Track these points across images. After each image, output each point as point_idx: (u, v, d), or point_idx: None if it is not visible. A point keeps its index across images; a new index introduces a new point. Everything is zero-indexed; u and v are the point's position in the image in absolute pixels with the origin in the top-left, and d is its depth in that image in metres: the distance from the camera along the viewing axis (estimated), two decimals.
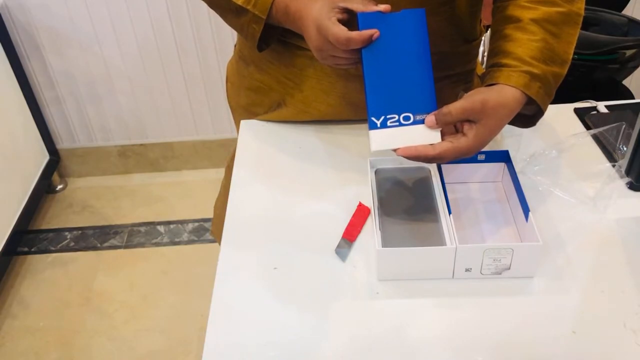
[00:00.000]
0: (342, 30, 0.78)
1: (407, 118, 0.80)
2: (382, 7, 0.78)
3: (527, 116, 0.88)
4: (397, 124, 0.79)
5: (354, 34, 0.78)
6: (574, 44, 0.87)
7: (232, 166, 1.02)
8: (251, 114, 1.12)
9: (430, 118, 0.79)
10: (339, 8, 0.80)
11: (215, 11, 0.97)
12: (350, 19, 0.80)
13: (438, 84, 0.82)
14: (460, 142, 0.78)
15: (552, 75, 0.83)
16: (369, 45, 0.79)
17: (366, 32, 0.77)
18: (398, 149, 0.79)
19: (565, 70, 0.86)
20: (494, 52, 0.87)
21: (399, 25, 0.79)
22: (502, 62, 0.83)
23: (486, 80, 0.84)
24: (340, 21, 0.79)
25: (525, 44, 0.83)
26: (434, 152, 0.78)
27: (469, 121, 0.79)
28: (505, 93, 0.80)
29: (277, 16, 0.89)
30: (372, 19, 0.78)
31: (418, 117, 0.80)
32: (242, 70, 1.11)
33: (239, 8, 0.91)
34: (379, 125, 0.79)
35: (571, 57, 0.87)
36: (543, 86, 0.82)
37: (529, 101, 0.82)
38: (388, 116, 0.79)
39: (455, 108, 0.78)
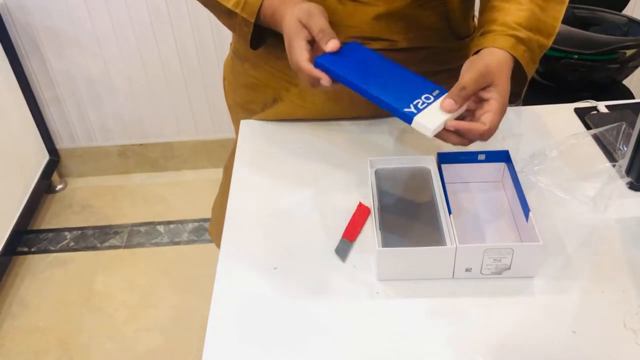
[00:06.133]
0: (301, 60, 0.81)
1: (428, 98, 0.80)
2: (330, 47, 0.81)
3: (512, 93, 0.87)
4: (426, 104, 0.79)
5: (305, 69, 0.81)
6: (560, 20, 0.88)
7: (230, 166, 1.02)
8: (248, 112, 1.12)
9: (448, 101, 0.78)
10: (306, 27, 0.83)
11: (209, 10, 0.98)
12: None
13: (432, 78, 0.82)
14: (494, 105, 0.78)
15: (537, 43, 0.84)
16: (345, 68, 0.81)
17: (314, 75, 0.81)
18: (445, 127, 0.78)
19: (550, 42, 0.87)
20: (481, 23, 0.88)
21: (354, 50, 0.85)
22: (488, 29, 0.84)
23: (473, 47, 0.85)
24: (306, 40, 0.82)
25: (512, 12, 0.84)
26: (485, 126, 0.78)
27: (482, 89, 0.79)
28: (495, 53, 0.81)
29: (266, 20, 0.90)
30: (327, 57, 0.82)
31: (435, 94, 0.80)
32: (237, 68, 1.11)
33: (229, 10, 0.92)
34: (415, 111, 0.78)
35: (556, 31, 0.87)
36: (528, 51, 0.83)
37: (515, 69, 0.83)
38: (414, 102, 0.79)
39: (467, 82, 0.78)
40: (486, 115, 0.79)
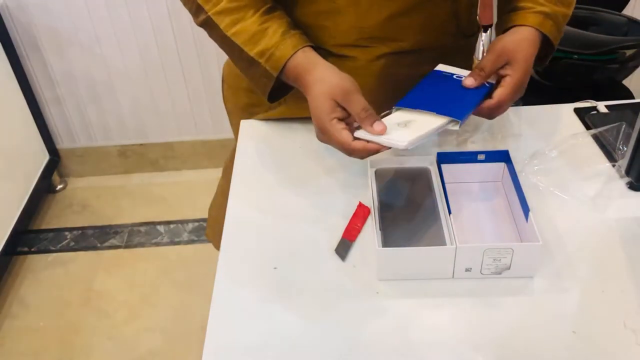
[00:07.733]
0: (348, 141, 0.80)
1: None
2: (377, 129, 0.80)
3: (539, 57, 0.94)
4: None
5: (358, 147, 0.80)
6: None
7: (230, 167, 1.02)
8: (250, 115, 1.11)
9: (469, 79, 0.88)
10: (340, 107, 0.82)
11: (226, 53, 0.95)
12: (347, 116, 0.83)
13: None
14: (507, 81, 0.87)
15: (561, 14, 0.92)
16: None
17: (370, 149, 0.80)
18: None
19: (570, 11, 0.95)
20: (508, 1, 0.95)
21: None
22: (518, 6, 0.92)
23: (505, 24, 0.92)
24: (339, 119, 0.82)
25: None
26: (493, 100, 0.86)
27: (503, 66, 0.88)
28: (519, 31, 0.90)
29: (288, 77, 0.89)
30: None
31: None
32: (238, 71, 1.10)
33: (252, 59, 0.89)
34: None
35: (575, 2, 0.96)
36: (554, 24, 0.91)
37: (542, 39, 0.91)
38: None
39: (485, 62, 0.88)
40: (497, 91, 0.87)
